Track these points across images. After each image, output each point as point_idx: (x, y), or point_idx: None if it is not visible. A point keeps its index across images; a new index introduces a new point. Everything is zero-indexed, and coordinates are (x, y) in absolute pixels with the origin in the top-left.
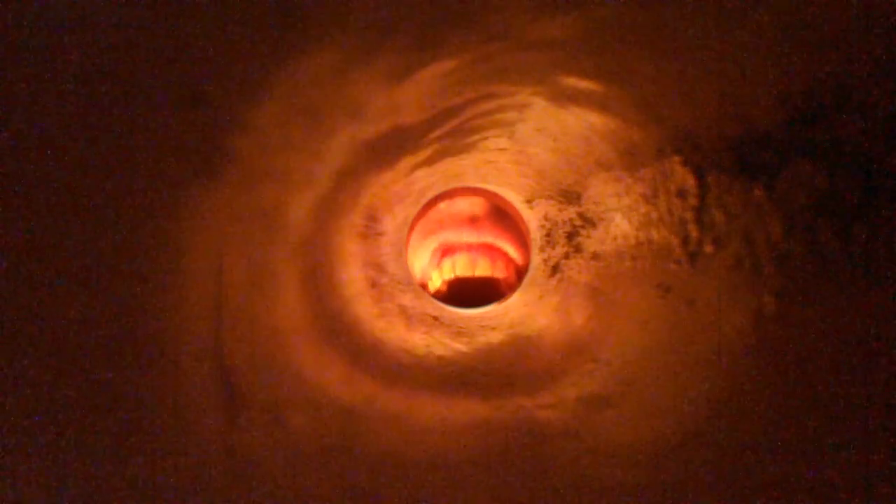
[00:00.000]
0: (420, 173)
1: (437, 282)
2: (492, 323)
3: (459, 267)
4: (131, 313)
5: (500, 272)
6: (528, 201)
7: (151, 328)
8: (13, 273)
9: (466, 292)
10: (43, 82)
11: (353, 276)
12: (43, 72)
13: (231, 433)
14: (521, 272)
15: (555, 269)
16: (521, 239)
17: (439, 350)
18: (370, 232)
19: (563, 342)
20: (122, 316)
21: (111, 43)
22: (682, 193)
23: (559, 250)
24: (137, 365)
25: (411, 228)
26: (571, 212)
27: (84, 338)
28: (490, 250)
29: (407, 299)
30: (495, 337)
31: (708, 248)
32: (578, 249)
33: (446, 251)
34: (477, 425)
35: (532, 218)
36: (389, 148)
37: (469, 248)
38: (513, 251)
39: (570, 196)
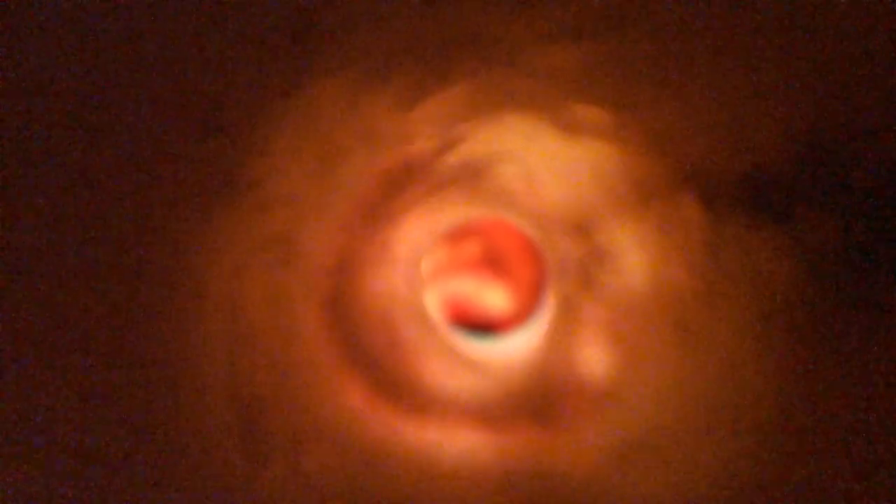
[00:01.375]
0: (431, 201)
1: (453, 314)
2: (508, 359)
3: (474, 301)
4: (142, 342)
5: (515, 305)
6: (539, 233)
7: (165, 358)
8: (26, 300)
9: (483, 326)
10: (59, 108)
11: (367, 305)
12: (59, 99)
13: (249, 470)
14: (536, 305)
15: (566, 304)
16: (534, 273)
17: (454, 385)
18: (384, 259)
19: (579, 383)
20: (133, 345)
21: (126, 69)
22: (695, 228)
23: (570, 286)
24: (151, 398)
25: (426, 259)
26: (582, 246)
27: (98, 370)
28: (506, 284)
29: (420, 331)
30: (512, 375)
31: (722, 287)
32: (590, 285)
33: (464, 286)
34: (495, 469)
35: (542, 251)
36: (401, 175)
37: (483, 283)
38: (526, 286)
39: (580, 229)
